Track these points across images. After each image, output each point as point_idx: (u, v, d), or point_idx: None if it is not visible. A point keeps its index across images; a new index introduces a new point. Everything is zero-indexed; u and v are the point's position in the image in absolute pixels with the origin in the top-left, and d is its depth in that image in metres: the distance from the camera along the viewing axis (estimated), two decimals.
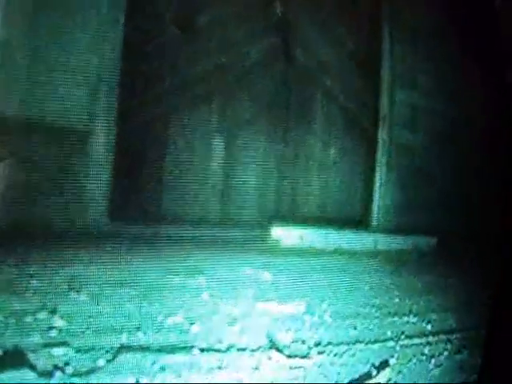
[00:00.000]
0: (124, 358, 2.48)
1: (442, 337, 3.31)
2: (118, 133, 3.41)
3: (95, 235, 3.03)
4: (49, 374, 2.31)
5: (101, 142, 3.34)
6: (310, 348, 2.87)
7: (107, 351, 2.47)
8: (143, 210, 3.40)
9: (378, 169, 4.29)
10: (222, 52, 3.88)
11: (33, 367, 2.27)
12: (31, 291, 2.62)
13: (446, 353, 3.25)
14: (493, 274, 3.32)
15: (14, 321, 2.43)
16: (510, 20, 3.57)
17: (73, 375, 2.34)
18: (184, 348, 2.63)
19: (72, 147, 3.15)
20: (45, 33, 3.14)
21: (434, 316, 3.42)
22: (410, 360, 3.11)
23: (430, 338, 3.28)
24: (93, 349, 2.45)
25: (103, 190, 3.22)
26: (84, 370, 2.37)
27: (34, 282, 2.67)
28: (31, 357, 2.29)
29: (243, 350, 2.73)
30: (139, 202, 3.39)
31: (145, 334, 2.63)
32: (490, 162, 4.06)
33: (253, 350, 2.75)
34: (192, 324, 2.77)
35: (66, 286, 2.72)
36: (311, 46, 4.30)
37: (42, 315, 2.52)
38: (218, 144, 3.78)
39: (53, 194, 2.93)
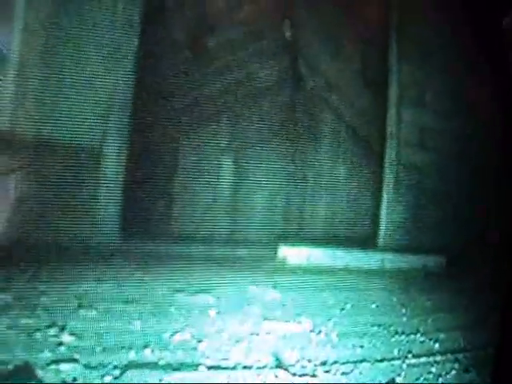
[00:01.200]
0: (132, 374, 2.50)
1: (450, 356, 3.26)
2: (129, 151, 3.47)
3: (106, 252, 3.08)
4: None
5: (113, 160, 3.41)
6: (316, 367, 2.86)
7: (115, 367, 2.49)
8: (153, 227, 3.44)
9: (385, 187, 4.29)
10: (231, 73, 3.95)
11: (41, 383, 2.30)
12: (41, 308, 2.68)
13: (453, 372, 3.20)
14: (502, 292, 3.29)
15: (24, 337, 2.48)
16: None
17: None
18: (191, 365, 2.64)
19: (84, 164, 3.22)
20: (59, 52, 3.22)
21: (441, 335, 3.38)
22: (417, 379, 3.07)
23: (438, 357, 3.23)
24: (101, 365, 2.48)
25: (114, 208, 3.28)
26: None
27: (45, 298, 2.72)
28: (40, 373, 2.33)
29: (249, 368, 2.73)
30: (149, 220, 3.44)
31: (152, 350, 2.65)
32: (500, 180, 4.04)
33: (259, 368, 2.76)
34: (199, 341, 2.80)
35: (76, 303, 2.77)
36: (319, 66, 4.35)
37: (52, 332, 2.57)
38: (227, 163, 3.83)
39: (64, 210, 2.98)
